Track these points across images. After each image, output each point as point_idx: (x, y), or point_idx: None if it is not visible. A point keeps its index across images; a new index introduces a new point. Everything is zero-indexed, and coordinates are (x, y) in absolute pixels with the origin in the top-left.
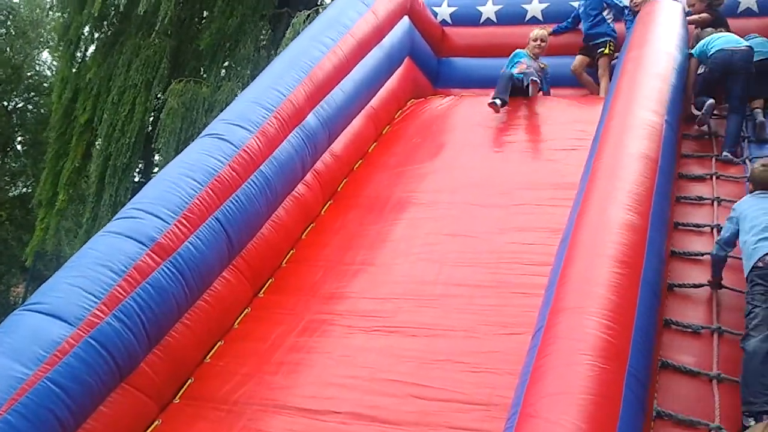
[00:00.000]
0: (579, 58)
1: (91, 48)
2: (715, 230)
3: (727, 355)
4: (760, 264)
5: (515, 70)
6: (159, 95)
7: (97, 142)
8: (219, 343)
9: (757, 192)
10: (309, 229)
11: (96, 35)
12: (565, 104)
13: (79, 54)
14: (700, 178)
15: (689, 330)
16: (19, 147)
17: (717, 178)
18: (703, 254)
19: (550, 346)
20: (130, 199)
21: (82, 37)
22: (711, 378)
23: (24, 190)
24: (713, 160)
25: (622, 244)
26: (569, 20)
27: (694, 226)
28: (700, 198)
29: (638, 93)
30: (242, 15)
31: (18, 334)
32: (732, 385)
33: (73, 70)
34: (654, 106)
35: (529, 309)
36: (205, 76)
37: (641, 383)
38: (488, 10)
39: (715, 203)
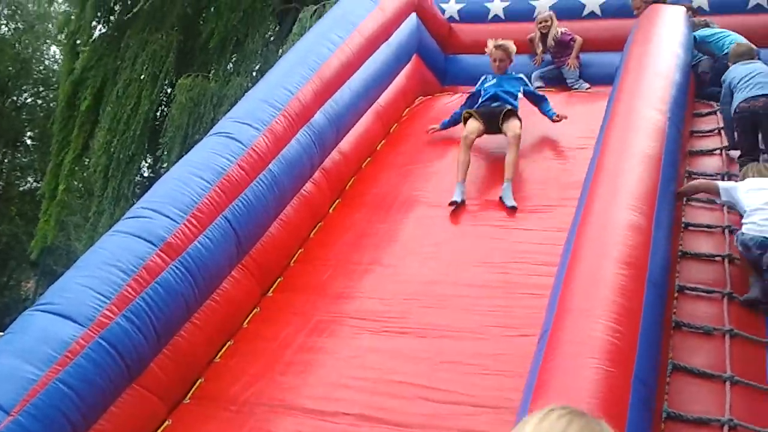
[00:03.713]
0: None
1: (98, 42)
2: (726, 231)
3: (739, 357)
4: (737, 110)
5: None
6: (166, 89)
7: (99, 134)
8: (229, 343)
9: (737, 62)
10: (317, 228)
11: (103, 30)
12: (573, 101)
13: (85, 48)
14: (710, 177)
15: (701, 331)
16: (28, 142)
17: (728, 177)
18: (715, 256)
19: (556, 349)
20: (134, 192)
21: (87, 29)
22: (724, 380)
23: (34, 184)
24: (723, 154)
25: (627, 245)
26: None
27: (705, 226)
28: (710, 200)
29: (641, 91)
30: (249, 10)
31: (29, 335)
32: (744, 388)
33: (78, 63)
34: (657, 104)
35: (538, 310)
36: (213, 70)
37: (647, 386)
38: (496, 7)
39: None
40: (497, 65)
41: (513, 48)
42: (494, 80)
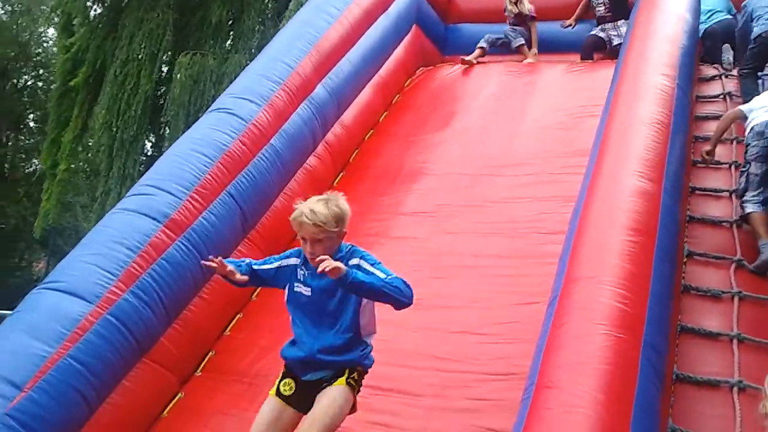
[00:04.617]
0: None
1: (94, 22)
2: (733, 195)
3: (746, 318)
4: (759, 39)
5: None
6: (164, 68)
7: (100, 114)
8: (238, 316)
9: None
10: None
11: (98, 10)
12: (575, 71)
13: (81, 28)
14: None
15: (709, 295)
16: (31, 124)
17: (738, 142)
18: (722, 221)
19: (565, 316)
20: (139, 171)
21: (82, 9)
22: (731, 338)
23: (39, 166)
24: None
25: (635, 212)
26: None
27: (712, 190)
28: (718, 162)
29: (648, 57)
30: None
31: (38, 313)
32: (751, 345)
33: (73, 44)
34: (665, 69)
35: (546, 278)
36: (211, 48)
37: (657, 351)
38: None
39: (733, 167)
40: (308, 249)
41: (343, 213)
42: (308, 291)
